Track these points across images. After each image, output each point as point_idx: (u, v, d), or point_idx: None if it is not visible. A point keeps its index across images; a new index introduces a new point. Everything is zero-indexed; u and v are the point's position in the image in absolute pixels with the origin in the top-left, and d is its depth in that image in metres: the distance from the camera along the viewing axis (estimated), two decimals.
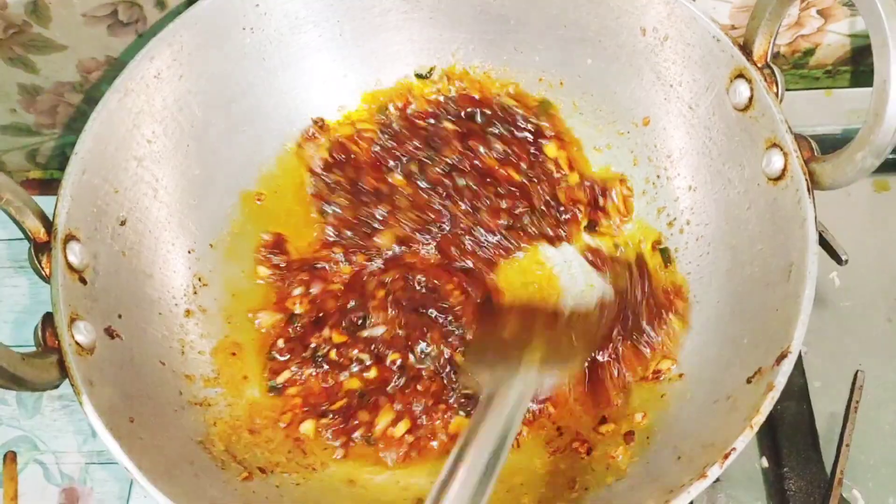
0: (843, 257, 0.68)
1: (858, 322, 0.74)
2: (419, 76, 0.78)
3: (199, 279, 0.71)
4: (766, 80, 0.63)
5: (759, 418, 0.53)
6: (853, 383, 0.67)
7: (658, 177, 0.73)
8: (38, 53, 0.79)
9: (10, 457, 0.77)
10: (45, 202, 0.62)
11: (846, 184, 0.58)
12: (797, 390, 0.69)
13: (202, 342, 0.69)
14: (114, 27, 0.77)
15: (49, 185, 0.93)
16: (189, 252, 0.71)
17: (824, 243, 0.68)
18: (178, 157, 0.70)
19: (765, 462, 0.69)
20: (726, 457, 0.53)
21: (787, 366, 0.55)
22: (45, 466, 0.78)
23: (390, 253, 0.74)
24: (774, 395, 0.54)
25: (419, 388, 0.69)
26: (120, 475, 0.77)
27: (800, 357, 0.70)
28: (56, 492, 0.77)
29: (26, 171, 0.93)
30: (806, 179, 0.59)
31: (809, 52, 0.87)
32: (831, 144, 0.61)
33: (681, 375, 0.66)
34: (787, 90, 0.87)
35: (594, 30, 0.72)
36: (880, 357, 0.72)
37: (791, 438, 0.67)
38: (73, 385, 0.56)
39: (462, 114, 0.77)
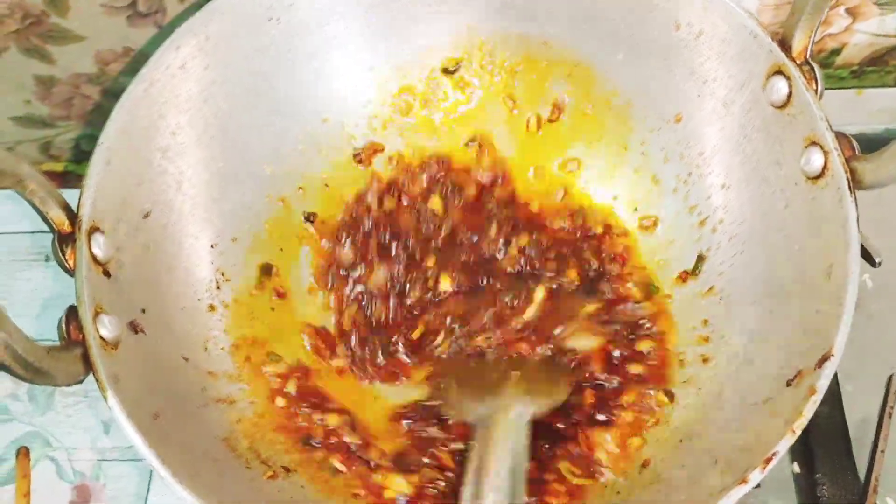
0: (877, 259, 0.66)
1: (891, 325, 0.73)
2: (445, 70, 0.77)
3: (222, 273, 0.70)
4: (805, 76, 0.62)
5: (802, 422, 0.52)
6: (888, 387, 0.66)
7: (690, 174, 0.72)
8: (55, 44, 0.78)
9: (23, 453, 0.76)
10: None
11: (888, 183, 0.58)
12: (829, 394, 0.67)
13: (225, 338, 0.68)
14: (133, 18, 0.76)
15: (63, 178, 0.93)
16: (212, 246, 0.70)
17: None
18: (202, 150, 0.69)
19: (796, 468, 0.68)
20: (768, 461, 0.51)
21: (830, 369, 0.54)
22: (57, 463, 0.77)
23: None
24: (817, 398, 0.53)
25: None
26: (133, 472, 0.76)
27: None
28: (68, 488, 0.76)
29: (40, 164, 0.93)
30: (847, 178, 0.58)
31: (836, 52, 0.86)
32: (862, 145, 0.60)
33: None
34: None
35: (626, 24, 0.70)
36: None
37: (823, 444, 0.67)
38: (97, 380, 0.54)
39: None
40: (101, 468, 0.77)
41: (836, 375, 0.68)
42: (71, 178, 0.93)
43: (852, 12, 0.82)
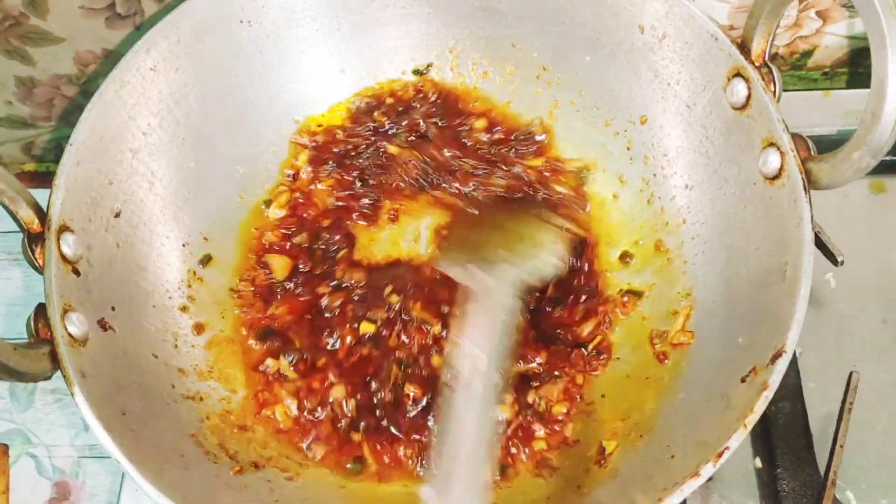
0: (840, 258, 0.67)
1: (853, 323, 0.74)
2: (416, 72, 0.78)
3: (194, 273, 0.71)
4: (763, 79, 0.63)
5: (753, 417, 0.53)
6: (847, 384, 0.67)
7: (654, 175, 0.73)
8: (35, 46, 0.78)
9: (2, 450, 0.77)
10: (41, 195, 0.62)
11: (843, 183, 0.58)
12: (792, 391, 0.69)
13: (196, 336, 0.69)
14: (112, 20, 0.77)
15: (44, 178, 0.93)
16: (183, 245, 0.71)
17: (820, 244, 0.67)
18: (173, 150, 0.70)
19: (758, 462, 0.68)
20: (720, 455, 0.52)
21: (782, 365, 0.55)
22: (37, 460, 0.78)
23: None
24: (769, 394, 0.54)
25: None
26: (112, 469, 0.77)
27: (794, 358, 0.70)
28: (48, 485, 0.77)
29: (22, 164, 0.93)
30: (802, 179, 0.59)
31: (808, 54, 0.87)
32: (828, 145, 0.60)
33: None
34: (785, 91, 0.88)
35: (592, 27, 0.71)
36: (875, 358, 0.72)
37: (785, 439, 0.67)
38: (65, 377, 0.55)
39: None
40: (80, 465, 0.77)
41: (798, 372, 0.70)
42: (52, 178, 0.92)
43: (822, 15, 0.82)
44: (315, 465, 0.65)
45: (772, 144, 0.62)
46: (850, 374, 0.67)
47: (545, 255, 0.68)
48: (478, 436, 0.58)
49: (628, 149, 0.74)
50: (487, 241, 0.69)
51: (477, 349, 0.59)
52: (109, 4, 0.75)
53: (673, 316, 0.68)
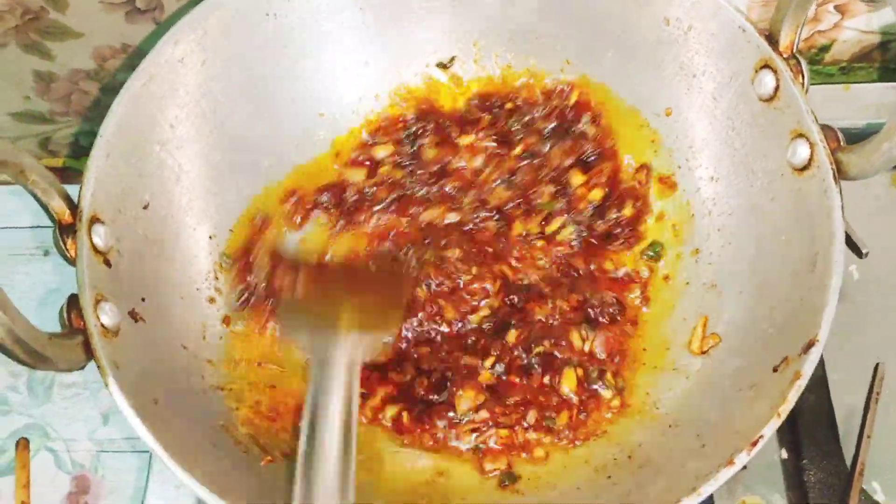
0: (864, 250, 0.68)
1: (877, 315, 0.74)
2: (441, 65, 0.78)
3: (220, 264, 0.71)
4: (791, 70, 0.63)
5: (787, 406, 0.53)
6: (874, 374, 0.67)
7: (679, 167, 0.73)
8: (53, 40, 0.79)
9: (23, 444, 0.77)
10: None
11: (872, 174, 0.59)
12: (816, 382, 0.69)
13: (223, 327, 0.69)
14: (131, 14, 0.77)
15: (62, 173, 0.93)
16: (210, 237, 0.71)
17: (845, 236, 0.68)
18: (200, 143, 0.70)
19: (784, 454, 0.69)
20: (754, 444, 0.53)
21: (815, 354, 0.55)
22: (56, 454, 0.78)
23: None
24: (801, 383, 0.54)
25: None
26: (130, 463, 0.77)
27: None
28: (67, 479, 0.77)
29: (39, 159, 0.93)
30: (833, 169, 0.59)
31: (825, 48, 0.87)
32: (850, 139, 0.61)
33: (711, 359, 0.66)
34: None
35: (616, 19, 0.72)
36: None
37: (811, 430, 0.68)
38: (99, 366, 0.55)
39: None
40: (99, 459, 0.78)
41: (822, 364, 0.70)
42: (69, 173, 0.93)
43: (841, 9, 0.83)
44: None
45: (801, 135, 0.62)
46: (877, 365, 0.68)
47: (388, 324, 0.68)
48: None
49: (653, 141, 0.74)
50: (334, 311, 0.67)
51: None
52: None
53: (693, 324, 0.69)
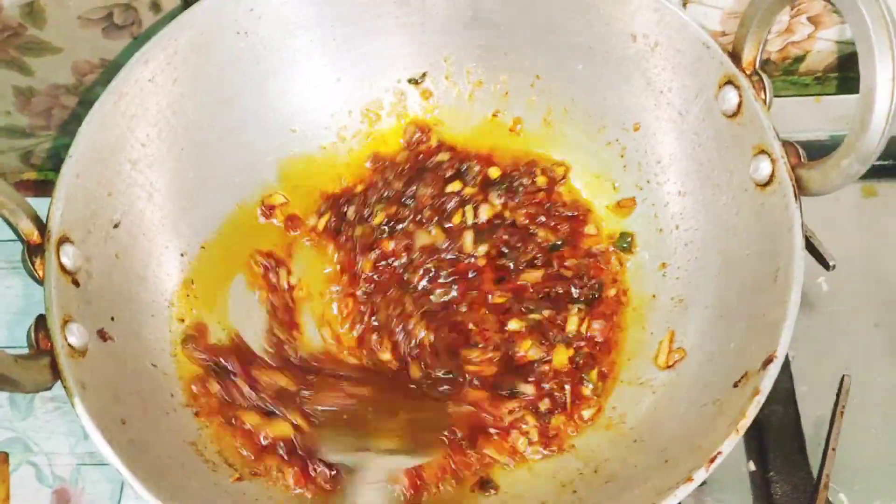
0: (831, 263, 0.68)
1: (846, 327, 0.75)
2: (412, 81, 0.79)
3: (192, 281, 0.71)
4: (754, 86, 0.63)
5: (745, 422, 0.54)
6: (839, 388, 0.68)
7: (648, 182, 0.73)
8: (32, 56, 0.79)
9: (3, 458, 0.77)
10: (40, 203, 0.62)
11: (833, 190, 0.59)
12: (784, 394, 0.69)
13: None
14: (109, 30, 0.77)
15: (44, 187, 0.94)
16: (182, 255, 0.71)
17: (812, 248, 0.68)
18: (171, 161, 0.70)
19: (752, 466, 0.69)
20: (712, 461, 0.53)
21: (773, 370, 0.55)
22: (37, 468, 0.78)
23: None
24: (760, 399, 0.55)
25: None
26: (111, 476, 0.77)
27: (787, 361, 0.71)
28: (48, 493, 0.77)
29: (21, 173, 0.94)
30: (793, 185, 0.60)
31: (800, 59, 0.88)
32: (820, 150, 0.61)
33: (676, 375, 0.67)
34: (777, 96, 0.88)
35: (584, 36, 0.72)
36: (868, 361, 0.73)
37: (778, 442, 0.68)
38: (65, 387, 0.56)
39: None
40: (80, 472, 0.78)
41: (790, 376, 0.70)
42: (51, 186, 0.92)
43: (814, 21, 0.83)
44: None
45: (763, 151, 0.62)
46: (843, 377, 0.68)
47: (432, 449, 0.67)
48: None
49: (622, 156, 0.75)
50: (378, 429, 0.66)
51: None
52: (107, 15, 0.76)
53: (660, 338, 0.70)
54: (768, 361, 0.56)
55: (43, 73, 0.81)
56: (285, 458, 0.65)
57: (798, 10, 0.82)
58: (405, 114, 0.80)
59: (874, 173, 0.78)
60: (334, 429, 0.66)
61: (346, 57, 0.77)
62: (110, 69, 0.81)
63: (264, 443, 0.65)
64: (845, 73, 0.89)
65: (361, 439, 0.65)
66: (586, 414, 0.68)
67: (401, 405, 0.69)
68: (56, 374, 0.56)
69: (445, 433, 0.66)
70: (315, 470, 0.65)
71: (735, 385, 0.58)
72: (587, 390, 0.69)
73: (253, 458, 0.65)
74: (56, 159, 0.92)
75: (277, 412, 0.66)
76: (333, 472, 0.65)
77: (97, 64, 0.81)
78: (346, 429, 0.66)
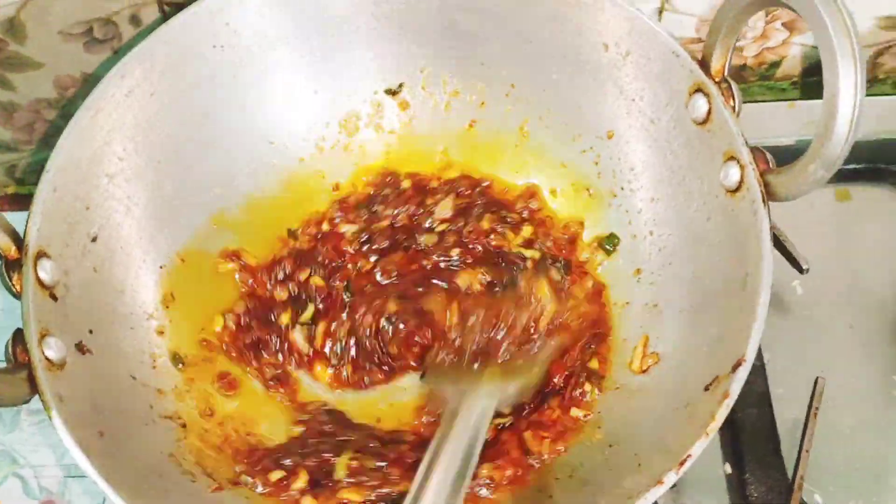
0: (804, 266, 0.69)
1: (821, 329, 0.75)
2: (389, 91, 0.79)
3: (171, 293, 0.72)
4: (723, 94, 0.64)
5: (714, 425, 0.54)
6: (813, 390, 0.68)
7: (622, 189, 0.74)
8: (14, 71, 0.79)
9: None
10: (24, 217, 0.63)
11: (800, 195, 0.60)
12: (759, 397, 0.70)
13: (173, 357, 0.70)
14: (90, 44, 0.78)
15: (27, 201, 0.91)
16: (160, 267, 0.72)
17: (785, 252, 0.69)
18: (149, 174, 0.71)
19: (728, 468, 0.70)
20: (682, 464, 0.54)
21: (742, 374, 0.56)
22: (23, 480, 0.78)
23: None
24: (729, 402, 0.55)
25: None
26: (97, 488, 0.77)
27: (762, 364, 0.72)
28: None
29: (5, 187, 0.94)
30: (761, 191, 0.60)
31: (776, 64, 0.88)
32: (796, 155, 0.61)
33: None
34: (755, 101, 0.90)
35: (558, 45, 0.73)
36: (843, 364, 0.74)
37: (753, 445, 0.69)
38: (42, 401, 0.56)
39: None
40: (66, 485, 0.78)
41: (765, 378, 0.71)
42: None
43: (788, 26, 0.84)
44: None
45: (732, 158, 0.63)
46: (816, 379, 0.69)
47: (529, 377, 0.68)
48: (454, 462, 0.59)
49: (596, 163, 0.76)
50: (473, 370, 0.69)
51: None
52: (87, 30, 0.76)
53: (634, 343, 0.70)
54: (737, 365, 0.56)
55: (25, 88, 0.81)
56: None
57: (773, 17, 0.83)
58: (381, 125, 0.81)
59: (847, 177, 0.81)
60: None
61: (324, 69, 0.77)
62: (91, 83, 0.81)
63: None
64: (820, 78, 0.90)
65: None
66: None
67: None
68: (34, 387, 0.57)
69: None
70: None
71: (706, 389, 0.58)
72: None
73: None
74: (39, 173, 0.91)
75: None
76: None
77: (79, 78, 0.81)
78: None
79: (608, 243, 0.75)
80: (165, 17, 0.75)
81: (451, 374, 0.68)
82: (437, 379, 0.70)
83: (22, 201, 0.94)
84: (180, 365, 0.70)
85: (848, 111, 0.54)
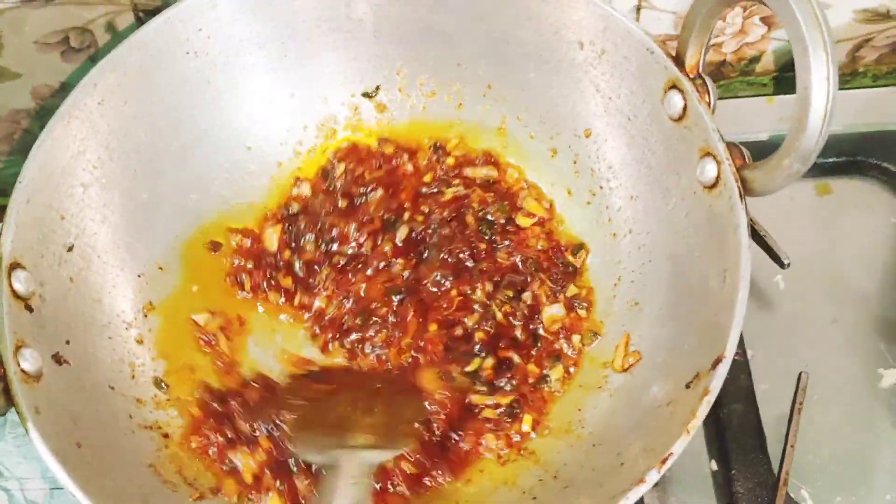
0: (786, 261, 0.69)
1: (804, 324, 0.75)
2: (365, 95, 0.79)
3: (150, 302, 0.72)
4: (697, 90, 0.64)
5: (696, 423, 0.54)
6: (797, 385, 0.68)
7: (601, 187, 0.74)
8: None
9: None
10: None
11: (776, 189, 0.60)
12: (744, 393, 0.70)
13: (153, 365, 0.70)
14: (67, 53, 0.78)
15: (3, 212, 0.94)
16: (139, 276, 0.71)
17: (766, 247, 0.69)
18: (125, 182, 0.70)
19: (714, 465, 0.69)
20: (664, 462, 0.53)
21: (722, 370, 0.56)
22: (9, 493, 0.78)
23: None
24: (710, 399, 0.55)
25: None
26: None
27: (746, 360, 0.71)
28: None
29: None
30: (738, 186, 0.60)
31: (755, 60, 0.89)
32: (770, 150, 0.61)
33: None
34: (735, 97, 0.90)
35: (534, 45, 0.73)
36: (826, 358, 0.73)
37: (738, 441, 0.68)
38: (18, 413, 0.56)
39: None
40: (52, 497, 0.77)
41: (749, 374, 0.71)
42: None
43: (766, 21, 0.84)
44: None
45: (708, 154, 0.63)
46: (800, 374, 0.69)
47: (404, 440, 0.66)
48: None
49: (575, 162, 0.75)
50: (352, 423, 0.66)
51: None
52: (63, 39, 0.76)
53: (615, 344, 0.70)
54: (717, 362, 0.56)
55: (2, 99, 0.82)
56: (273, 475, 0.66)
57: (750, 12, 0.83)
58: (360, 127, 0.80)
59: (828, 171, 0.81)
60: (309, 430, 0.66)
61: (299, 73, 0.77)
62: (66, 91, 0.81)
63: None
64: None
65: (337, 437, 0.65)
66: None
67: (376, 399, 0.69)
68: (9, 399, 0.57)
69: (420, 423, 0.67)
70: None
71: (687, 386, 0.58)
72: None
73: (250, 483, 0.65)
74: None
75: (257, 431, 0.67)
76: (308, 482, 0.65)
77: (56, 87, 0.81)
78: (321, 428, 0.66)
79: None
80: (141, 24, 0.74)
81: (317, 434, 0.66)
82: (304, 439, 0.66)
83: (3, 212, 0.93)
84: (163, 387, 0.70)
85: (821, 104, 0.54)
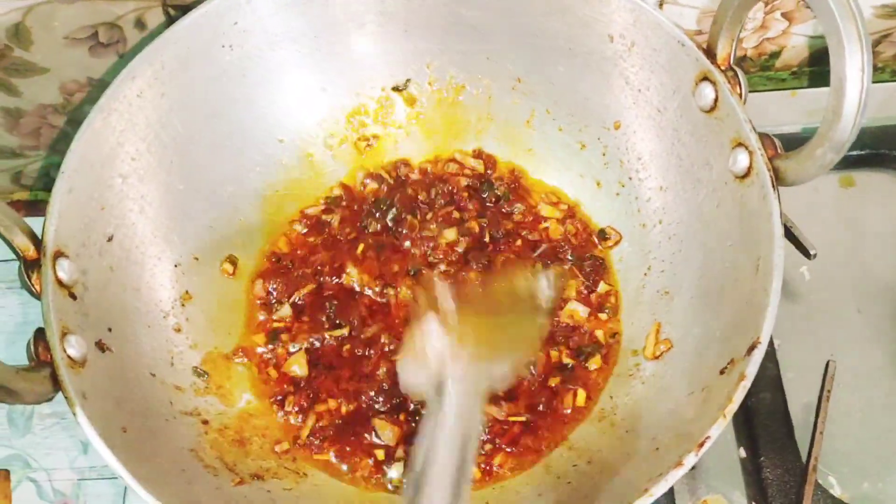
0: (812, 252, 0.70)
1: (829, 314, 0.76)
2: (396, 89, 0.80)
3: (187, 291, 0.73)
4: (729, 81, 0.65)
5: (732, 407, 0.55)
6: (825, 373, 0.69)
7: (630, 179, 0.75)
8: (20, 77, 0.80)
9: (4, 475, 0.77)
10: (32, 223, 0.63)
11: (808, 179, 0.60)
12: (771, 381, 0.71)
13: (191, 353, 0.71)
14: (95, 49, 0.78)
15: (34, 206, 0.94)
16: (175, 266, 0.72)
17: (793, 238, 0.70)
18: (162, 174, 0.71)
19: (742, 452, 0.70)
20: (701, 445, 0.54)
21: (758, 356, 0.56)
22: (37, 484, 0.79)
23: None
24: (746, 384, 0.56)
25: None
26: (111, 490, 0.78)
27: (773, 349, 0.72)
28: None
29: (11, 193, 0.94)
30: (770, 176, 0.61)
31: (775, 55, 0.89)
32: (798, 143, 0.62)
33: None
34: (755, 92, 0.90)
35: (563, 38, 0.73)
36: (851, 347, 0.74)
37: (767, 428, 0.69)
38: (66, 398, 0.57)
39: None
40: (80, 487, 0.78)
41: (777, 363, 0.72)
42: (41, 206, 0.93)
43: (788, 16, 0.84)
44: (312, 473, 0.67)
45: (740, 144, 0.64)
46: (828, 362, 0.70)
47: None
48: (450, 459, 0.54)
49: (603, 154, 0.76)
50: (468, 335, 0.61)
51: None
52: (92, 34, 0.77)
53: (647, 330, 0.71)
54: (752, 347, 0.57)
55: (30, 94, 0.82)
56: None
57: (772, 7, 0.83)
58: (391, 121, 0.81)
59: (851, 163, 0.82)
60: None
61: (331, 67, 0.78)
62: (98, 87, 0.82)
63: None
64: (820, 67, 0.91)
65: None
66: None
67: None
68: (56, 385, 0.57)
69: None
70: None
71: (721, 372, 0.59)
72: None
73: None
74: (46, 179, 0.93)
75: None
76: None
77: (84, 83, 0.81)
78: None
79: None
80: (170, 19, 0.75)
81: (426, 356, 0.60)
82: (411, 363, 0.61)
83: (29, 207, 0.94)
84: (202, 374, 0.71)
85: (856, 95, 0.55)
